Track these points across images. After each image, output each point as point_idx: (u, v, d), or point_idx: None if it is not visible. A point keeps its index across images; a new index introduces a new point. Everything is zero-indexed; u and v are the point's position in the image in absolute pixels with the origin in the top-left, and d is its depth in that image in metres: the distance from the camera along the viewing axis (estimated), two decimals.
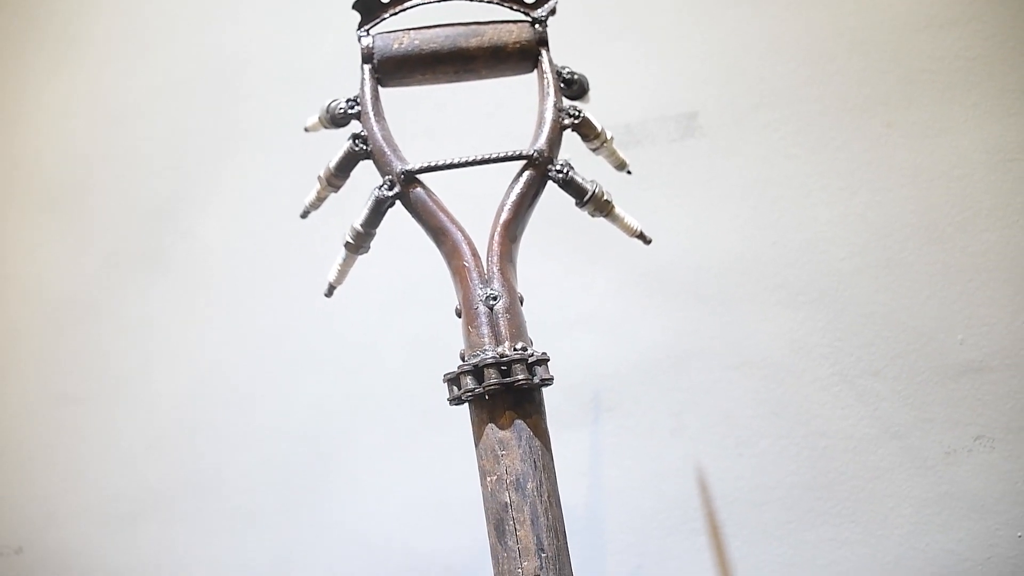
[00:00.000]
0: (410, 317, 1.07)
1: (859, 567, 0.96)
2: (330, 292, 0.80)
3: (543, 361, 0.68)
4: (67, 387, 1.21)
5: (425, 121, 1.08)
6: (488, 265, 0.70)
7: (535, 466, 0.66)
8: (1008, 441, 0.94)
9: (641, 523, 1.00)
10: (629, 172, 0.80)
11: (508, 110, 1.06)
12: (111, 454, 1.19)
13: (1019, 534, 0.93)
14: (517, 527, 0.65)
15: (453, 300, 0.68)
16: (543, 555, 0.64)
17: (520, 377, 0.66)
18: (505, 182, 0.69)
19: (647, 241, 0.78)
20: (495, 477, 0.66)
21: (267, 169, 1.13)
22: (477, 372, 0.67)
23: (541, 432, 0.67)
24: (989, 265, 0.94)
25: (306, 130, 0.77)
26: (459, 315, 0.71)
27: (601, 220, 0.74)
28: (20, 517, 1.22)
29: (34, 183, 1.24)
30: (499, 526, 0.65)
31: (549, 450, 0.68)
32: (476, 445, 0.68)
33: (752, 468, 0.97)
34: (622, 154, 0.77)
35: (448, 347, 0.74)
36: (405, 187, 0.71)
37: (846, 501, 0.96)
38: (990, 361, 0.93)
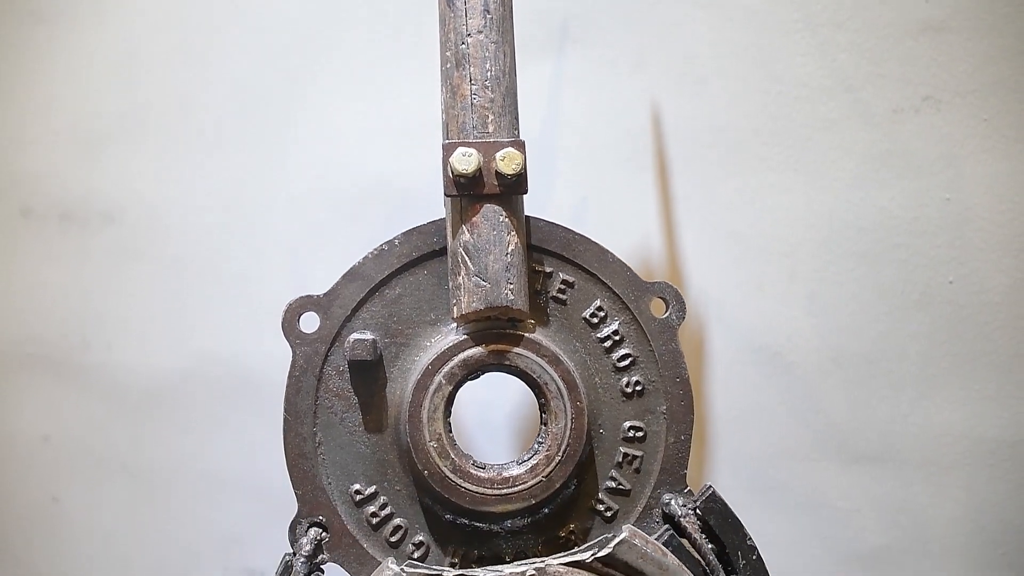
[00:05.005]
0: None
1: (794, 215, 1.00)
2: None
3: None
4: (38, 5, 1.21)
5: None
6: None
7: None
8: (954, 104, 0.96)
9: (592, 156, 1.03)
10: None
11: None
12: (81, 76, 1.20)
13: (947, 197, 0.97)
14: None
15: None
16: (488, 16, 0.67)
17: None
18: None
19: None
20: None
21: None
22: None
23: None
24: None
25: None
26: None
27: None
28: None
29: None
30: None
31: None
32: None
33: (706, 109, 1.00)
34: None
35: None
36: None
37: (791, 149, 1.00)
38: (951, 21, 0.95)
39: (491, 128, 0.65)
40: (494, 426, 1.09)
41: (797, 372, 1.02)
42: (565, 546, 0.67)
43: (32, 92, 1.23)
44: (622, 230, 1.03)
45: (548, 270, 0.69)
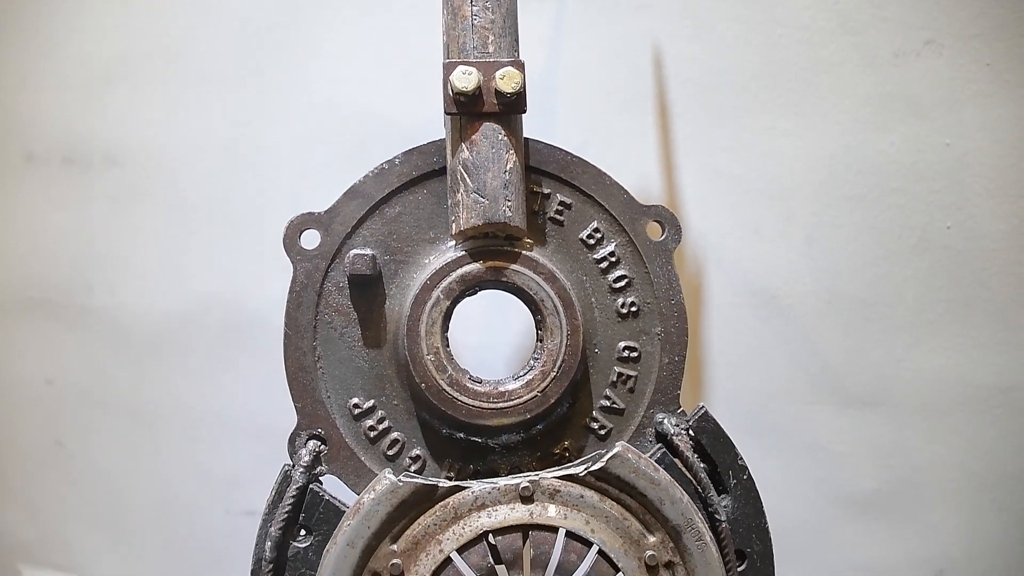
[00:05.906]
0: None
1: (793, 158, 1.01)
2: None
3: None
4: None
5: None
6: None
7: None
8: (956, 48, 0.96)
9: (593, 99, 1.04)
10: None
11: None
12: (83, 18, 1.20)
13: (947, 142, 0.97)
14: None
15: None
16: None
17: None
18: None
19: None
20: None
21: None
22: None
23: None
24: None
25: None
26: None
27: None
28: None
29: None
30: None
31: None
32: None
33: (707, 51, 1.01)
34: None
35: None
36: None
37: (792, 93, 1.00)
38: None
39: (491, 48, 0.65)
40: (493, 372, 1.10)
41: (793, 315, 1.03)
42: (559, 462, 0.68)
43: (34, 35, 1.23)
44: (622, 172, 1.03)
45: (546, 191, 0.69)
